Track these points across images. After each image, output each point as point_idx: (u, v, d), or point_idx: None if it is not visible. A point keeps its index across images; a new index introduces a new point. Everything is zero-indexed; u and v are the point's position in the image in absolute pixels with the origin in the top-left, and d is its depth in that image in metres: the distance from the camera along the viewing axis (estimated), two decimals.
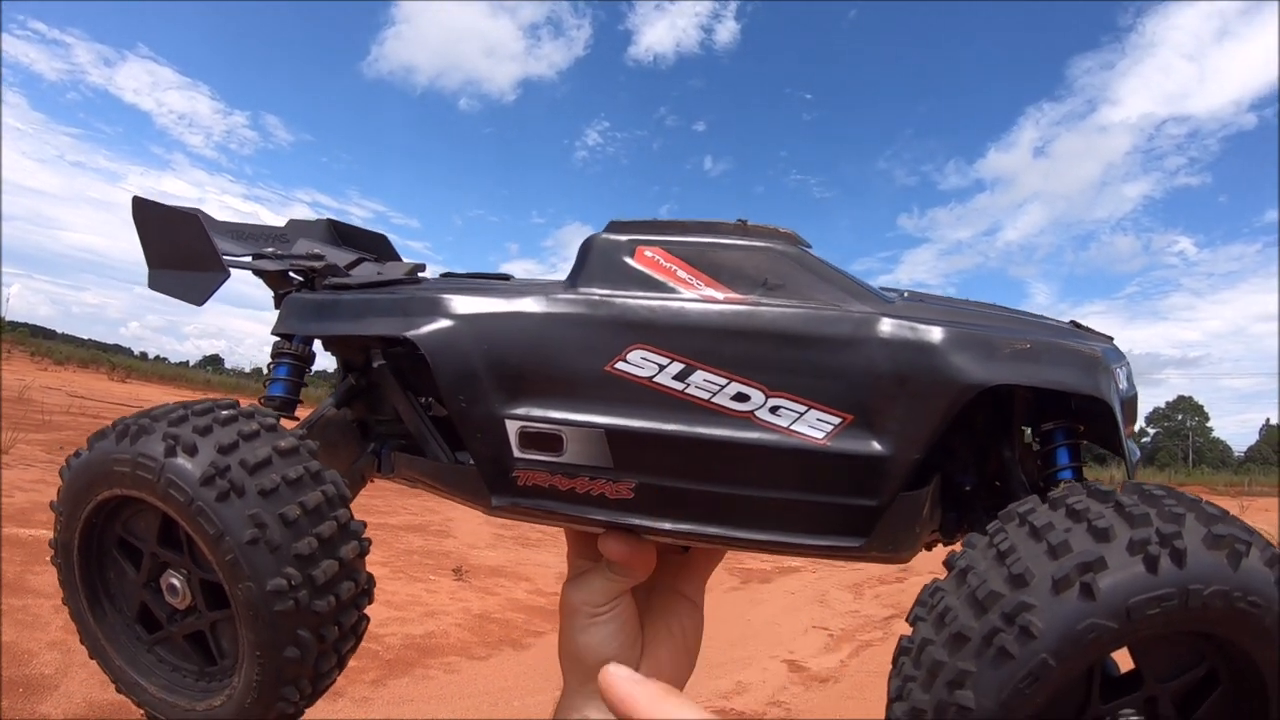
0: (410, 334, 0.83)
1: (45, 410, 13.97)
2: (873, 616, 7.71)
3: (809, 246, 0.86)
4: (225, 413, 0.79)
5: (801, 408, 0.74)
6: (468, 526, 9.53)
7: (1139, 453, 0.90)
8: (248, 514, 0.71)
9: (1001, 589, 0.57)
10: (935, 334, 0.74)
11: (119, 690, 0.83)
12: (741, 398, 0.75)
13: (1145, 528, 0.56)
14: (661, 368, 0.77)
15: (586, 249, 0.86)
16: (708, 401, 0.75)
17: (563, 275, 0.88)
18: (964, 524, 0.86)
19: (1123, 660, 0.62)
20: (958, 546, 0.68)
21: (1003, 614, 0.56)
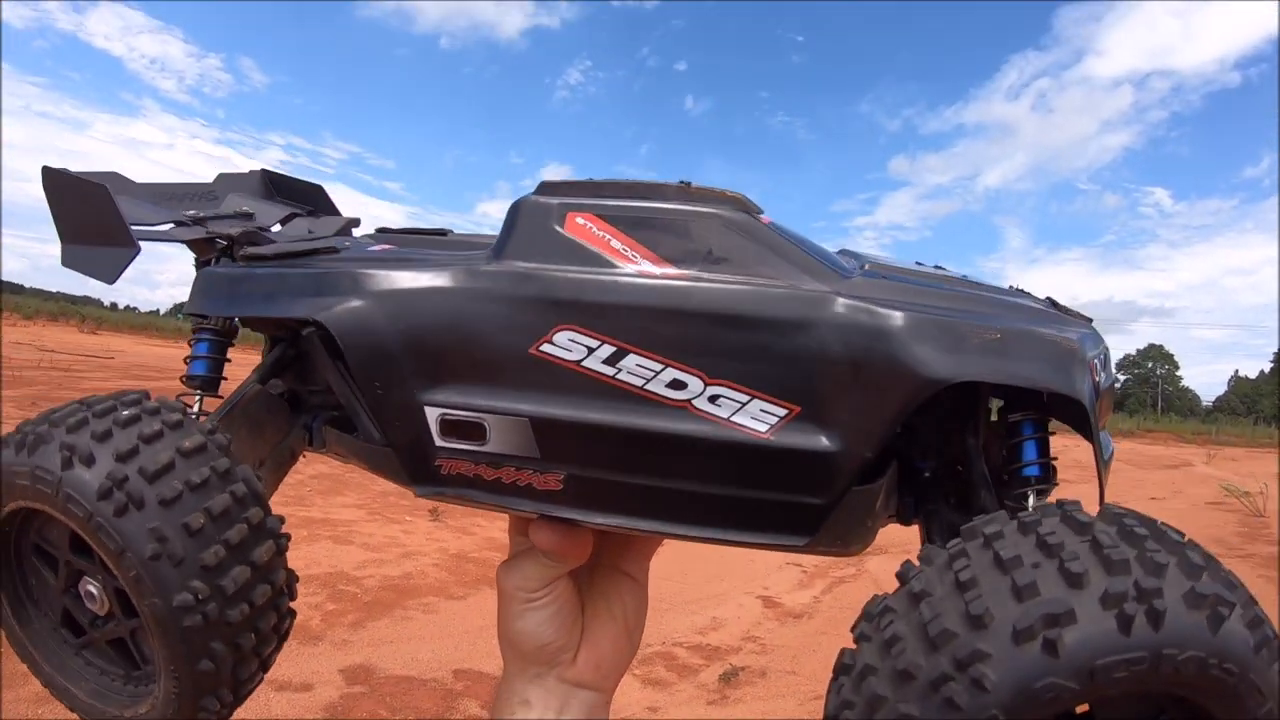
0: (320, 316, 0.77)
1: (15, 366, 13.69)
2: None
3: (760, 212, 0.79)
4: (126, 413, 0.74)
5: (744, 397, 0.69)
6: None
7: (1112, 446, 0.85)
8: (148, 528, 0.67)
9: (957, 628, 0.51)
10: (895, 319, 0.68)
11: (53, 695, 0.81)
12: (678, 385, 0.69)
13: (1123, 577, 0.50)
14: (590, 351, 0.71)
15: (514, 214, 0.79)
16: (640, 389, 0.70)
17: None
18: (921, 510, 0.81)
19: None
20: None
21: (955, 659, 0.50)
